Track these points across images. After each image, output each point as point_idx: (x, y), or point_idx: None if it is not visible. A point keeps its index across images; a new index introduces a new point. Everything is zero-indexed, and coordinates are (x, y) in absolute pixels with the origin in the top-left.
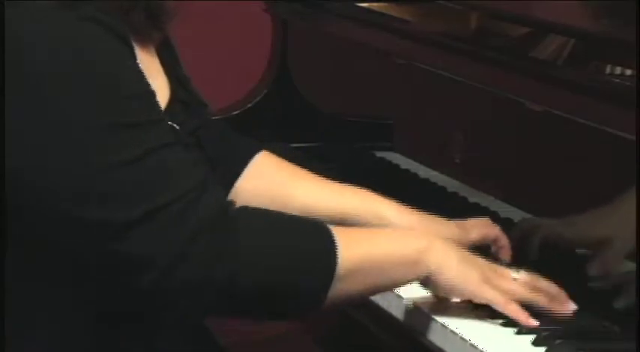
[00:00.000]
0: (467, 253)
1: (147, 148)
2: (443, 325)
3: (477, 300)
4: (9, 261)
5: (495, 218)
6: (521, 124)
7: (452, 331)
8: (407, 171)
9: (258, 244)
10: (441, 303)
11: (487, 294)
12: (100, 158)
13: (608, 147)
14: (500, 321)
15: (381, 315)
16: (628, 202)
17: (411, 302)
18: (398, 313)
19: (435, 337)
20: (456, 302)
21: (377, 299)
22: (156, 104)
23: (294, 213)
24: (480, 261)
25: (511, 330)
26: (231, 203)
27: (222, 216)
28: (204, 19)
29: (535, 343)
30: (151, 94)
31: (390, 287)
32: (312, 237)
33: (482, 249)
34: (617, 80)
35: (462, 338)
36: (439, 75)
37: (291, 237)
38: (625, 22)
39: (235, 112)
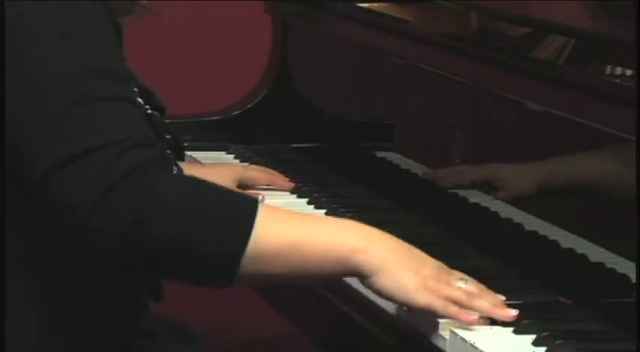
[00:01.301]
0: (410, 254)
1: (102, 95)
2: (443, 326)
3: (413, 307)
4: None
5: (495, 218)
6: (521, 124)
7: (452, 331)
8: (407, 171)
9: (177, 202)
10: None
11: (423, 301)
12: (57, 95)
13: (608, 147)
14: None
15: (381, 316)
16: None
17: None
18: (398, 314)
19: (434, 337)
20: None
21: (377, 299)
22: (125, 65)
23: None
24: (426, 266)
25: (510, 330)
26: (168, 164)
27: (149, 169)
28: (204, 19)
29: (535, 343)
30: (123, 57)
31: (317, 277)
32: (233, 207)
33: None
34: (617, 80)
35: (462, 339)
36: (439, 75)
37: (212, 203)
38: (625, 22)
39: (235, 112)
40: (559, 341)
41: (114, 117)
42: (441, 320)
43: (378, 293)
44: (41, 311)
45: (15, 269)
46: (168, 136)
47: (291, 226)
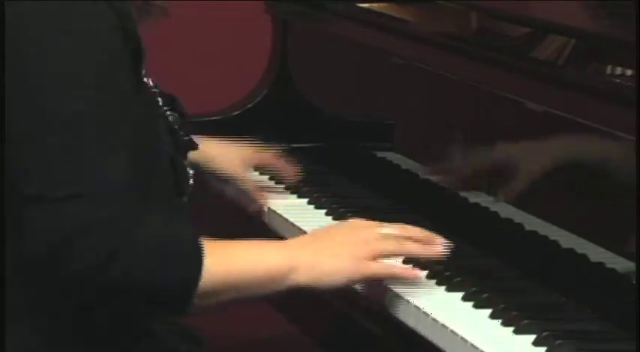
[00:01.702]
0: (332, 238)
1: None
2: (443, 326)
3: (363, 281)
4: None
5: (495, 218)
6: (521, 124)
7: (452, 331)
8: (407, 171)
9: (137, 254)
10: (443, 305)
11: (367, 273)
12: (57, 101)
13: (608, 147)
14: (500, 321)
15: (382, 316)
16: None
17: (412, 303)
18: (398, 313)
19: (435, 337)
20: (460, 304)
21: (377, 299)
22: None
23: None
24: (347, 237)
25: (511, 330)
26: (135, 212)
27: (121, 219)
28: (205, 18)
29: (535, 343)
30: (125, 58)
31: (260, 297)
32: (182, 254)
33: None
34: (617, 80)
35: (462, 339)
36: (439, 75)
37: (169, 245)
38: (625, 22)
39: (236, 113)
40: (559, 341)
41: (98, 162)
42: (442, 321)
43: (326, 291)
44: (43, 312)
45: (16, 269)
46: (186, 138)
47: (230, 258)
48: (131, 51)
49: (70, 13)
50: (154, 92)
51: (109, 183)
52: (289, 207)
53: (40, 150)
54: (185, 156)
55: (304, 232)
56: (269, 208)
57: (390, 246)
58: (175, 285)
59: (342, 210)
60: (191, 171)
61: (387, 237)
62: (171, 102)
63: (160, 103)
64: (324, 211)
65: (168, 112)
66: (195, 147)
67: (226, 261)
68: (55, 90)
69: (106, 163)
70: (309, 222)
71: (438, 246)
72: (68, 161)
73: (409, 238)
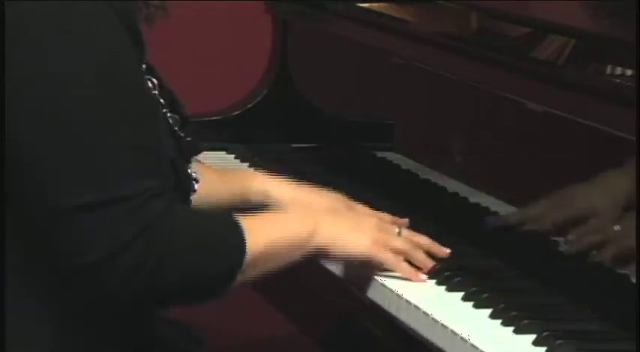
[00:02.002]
0: (354, 218)
1: (125, 142)
2: (443, 325)
3: (371, 263)
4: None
5: None
6: (521, 124)
7: (452, 331)
8: (407, 171)
9: (185, 243)
10: (443, 305)
11: (380, 256)
12: (57, 99)
13: (608, 147)
14: (500, 321)
15: (381, 316)
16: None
17: (412, 303)
18: (399, 313)
19: (435, 337)
20: (460, 304)
21: (378, 299)
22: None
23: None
24: (368, 221)
25: (511, 330)
26: (174, 209)
27: (164, 220)
28: (205, 18)
29: (535, 343)
30: (130, 56)
31: (286, 265)
32: (226, 233)
33: None
34: (617, 80)
35: (462, 338)
36: (439, 75)
37: (210, 235)
38: (625, 22)
39: (236, 112)
40: (559, 341)
41: (100, 166)
42: (442, 321)
43: (338, 259)
44: (43, 311)
45: (16, 270)
46: (188, 139)
47: (262, 230)
48: (133, 50)
49: (70, 13)
50: (154, 93)
51: (123, 187)
52: None
53: (40, 150)
54: (188, 160)
55: None
56: None
57: (404, 245)
58: (223, 271)
59: None
60: (196, 181)
61: (402, 236)
62: (172, 103)
63: (160, 104)
64: None
65: (168, 114)
66: (199, 150)
67: (260, 237)
68: (55, 91)
69: (106, 167)
70: None
71: (441, 251)
72: (69, 164)
73: (420, 245)
